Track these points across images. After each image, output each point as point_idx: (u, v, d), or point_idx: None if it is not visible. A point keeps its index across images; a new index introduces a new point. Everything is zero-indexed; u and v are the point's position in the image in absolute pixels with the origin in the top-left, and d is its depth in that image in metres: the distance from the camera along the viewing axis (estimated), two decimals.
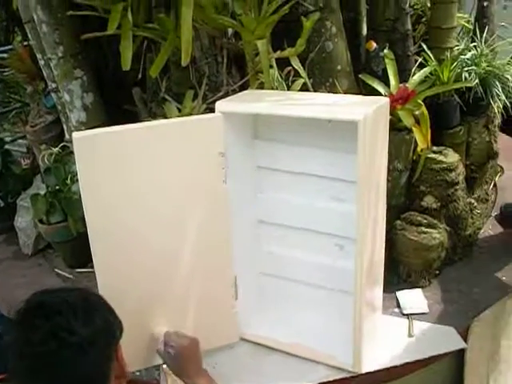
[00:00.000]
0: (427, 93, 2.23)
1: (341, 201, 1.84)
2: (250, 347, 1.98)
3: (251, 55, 2.00)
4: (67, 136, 2.66)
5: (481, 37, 2.56)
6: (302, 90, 2.13)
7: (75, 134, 1.54)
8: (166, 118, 2.21)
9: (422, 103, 2.12)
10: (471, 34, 2.73)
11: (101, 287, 1.67)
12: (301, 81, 2.10)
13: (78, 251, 2.56)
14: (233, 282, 1.88)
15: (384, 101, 1.63)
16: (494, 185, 2.94)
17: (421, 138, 2.06)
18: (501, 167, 3.03)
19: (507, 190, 2.95)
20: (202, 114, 2.03)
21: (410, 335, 1.99)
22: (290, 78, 2.13)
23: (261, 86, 2.05)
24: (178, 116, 2.06)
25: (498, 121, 2.72)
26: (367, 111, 1.49)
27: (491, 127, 2.69)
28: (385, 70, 2.44)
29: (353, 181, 1.74)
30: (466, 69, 2.43)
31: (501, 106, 2.56)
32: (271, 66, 1.98)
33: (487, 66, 2.46)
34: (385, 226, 1.83)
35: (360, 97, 1.84)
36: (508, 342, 2.22)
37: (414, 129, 2.06)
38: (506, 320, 2.17)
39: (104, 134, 1.55)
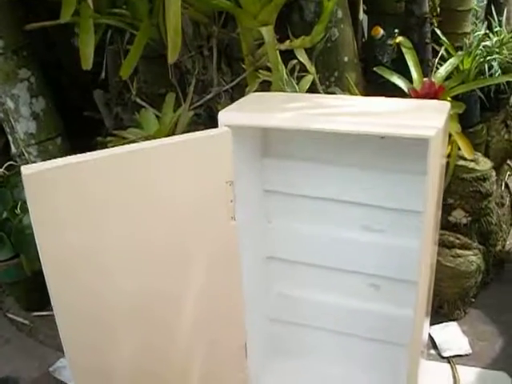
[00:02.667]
0: (460, 89, 1.86)
1: (375, 232, 1.45)
2: None
3: (251, 46, 1.57)
4: (13, 149, 2.17)
5: (499, 21, 2.22)
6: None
7: (24, 170, 1.08)
8: (138, 127, 1.77)
9: (460, 103, 1.75)
10: (482, 18, 2.40)
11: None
12: (310, 77, 1.70)
13: (34, 292, 2.10)
14: (244, 340, 1.47)
15: (446, 107, 1.23)
16: (506, 186, 2.64)
17: (465, 147, 1.70)
18: (509, 166, 2.72)
19: None
20: (192, 126, 1.60)
21: None
22: (295, 74, 1.72)
23: (261, 87, 1.64)
24: (159, 128, 1.62)
25: None
26: (438, 124, 1.09)
27: (509, 123, 2.36)
28: (393, 62, 2.07)
29: (399, 209, 1.37)
30: (488, 58, 2.09)
31: None
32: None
33: (510, 54, 2.12)
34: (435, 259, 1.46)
35: (405, 101, 1.44)
36: None
37: (455, 135, 1.68)
38: None
39: (69, 165, 1.09)
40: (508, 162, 2.52)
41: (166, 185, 1.21)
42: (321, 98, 1.48)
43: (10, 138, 2.17)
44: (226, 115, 1.27)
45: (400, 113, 1.23)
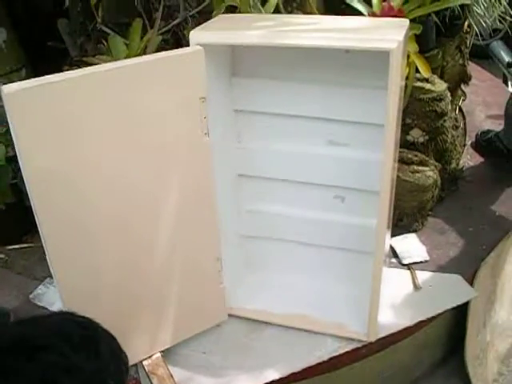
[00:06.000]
0: (418, 12, 1.93)
1: (342, 146, 1.54)
2: (240, 324, 1.69)
3: None
4: None
5: None
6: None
7: (6, 88, 1.11)
8: (103, 55, 1.78)
9: (417, 25, 1.82)
10: None
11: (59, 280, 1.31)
12: (273, 2, 1.73)
13: (9, 225, 2.12)
14: (219, 253, 1.56)
15: (405, 23, 1.31)
16: (460, 110, 2.76)
17: (422, 65, 1.78)
18: (463, 91, 2.84)
19: (473, 115, 2.78)
20: (160, 48, 1.63)
21: (416, 288, 1.79)
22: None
23: (227, 11, 1.66)
24: (128, 54, 1.64)
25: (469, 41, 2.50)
26: (398, 37, 1.17)
27: (463, 49, 2.46)
28: None
29: (362, 122, 1.46)
30: None
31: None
32: None
33: None
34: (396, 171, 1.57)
35: (368, 19, 1.51)
36: (501, 281, 2.09)
37: (413, 55, 1.76)
38: (504, 259, 2.02)
39: (48, 84, 1.13)
40: (462, 86, 2.63)
41: (142, 102, 1.25)
42: (287, 18, 1.54)
43: None
44: (197, 34, 1.31)
45: (362, 29, 1.30)
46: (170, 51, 1.26)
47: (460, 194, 2.21)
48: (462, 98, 2.81)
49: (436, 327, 1.85)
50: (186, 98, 1.30)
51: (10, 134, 1.96)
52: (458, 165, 2.28)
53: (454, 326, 1.92)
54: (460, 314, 1.86)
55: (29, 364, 0.70)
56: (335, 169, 1.56)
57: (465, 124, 2.68)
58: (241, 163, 1.64)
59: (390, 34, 1.20)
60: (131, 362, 1.49)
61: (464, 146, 2.52)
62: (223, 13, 1.64)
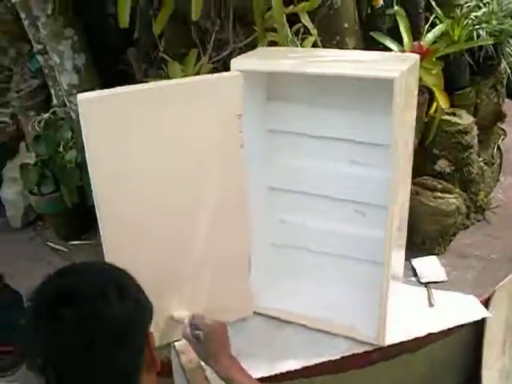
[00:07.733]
0: (444, 51, 2.12)
1: (361, 165, 1.73)
2: (262, 321, 1.88)
3: (261, 10, 1.84)
4: (55, 101, 2.48)
5: None
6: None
7: (80, 97, 1.39)
8: (164, 79, 2.06)
9: (440, 62, 2.01)
10: None
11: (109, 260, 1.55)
12: (312, 38, 1.96)
13: (72, 223, 2.42)
14: (248, 254, 1.77)
15: (414, 58, 1.51)
16: (498, 148, 2.87)
17: (442, 99, 1.96)
18: (503, 130, 2.96)
19: (511, 153, 2.89)
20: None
21: (430, 305, 1.92)
22: (300, 36, 1.99)
23: (270, 45, 1.91)
24: (183, 77, 1.91)
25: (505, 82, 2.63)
26: (402, 68, 1.37)
27: (499, 88, 2.60)
28: (391, 29, 2.32)
29: (376, 143, 1.65)
30: (477, 26, 2.33)
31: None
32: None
33: (498, 24, 2.35)
34: (409, 191, 1.74)
35: (385, 53, 1.72)
36: None
37: (434, 89, 1.95)
38: None
39: (114, 95, 1.40)
40: (500, 125, 2.75)
41: (189, 116, 1.50)
42: (317, 51, 1.77)
43: (52, 91, 2.49)
44: (237, 62, 1.56)
45: (377, 61, 1.50)
46: (214, 75, 1.51)
47: (486, 224, 2.33)
48: (501, 136, 2.93)
49: (448, 349, 1.96)
50: (226, 115, 1.54)
51: (81, 143, 2.29)
52: (486, 197, 2.40)
53: (469, 354, 2.02)
54: (477, 334, 1.97)
55: (70, 313, 0.89)
56: (355, 185, 1.74)
57: (501, 161, 2.78)
58: (271, 177, 1.86)
59: (396, 66, 1.40)
60: (165, 341, 1.73)
61: (497, 181, 2.64)
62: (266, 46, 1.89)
